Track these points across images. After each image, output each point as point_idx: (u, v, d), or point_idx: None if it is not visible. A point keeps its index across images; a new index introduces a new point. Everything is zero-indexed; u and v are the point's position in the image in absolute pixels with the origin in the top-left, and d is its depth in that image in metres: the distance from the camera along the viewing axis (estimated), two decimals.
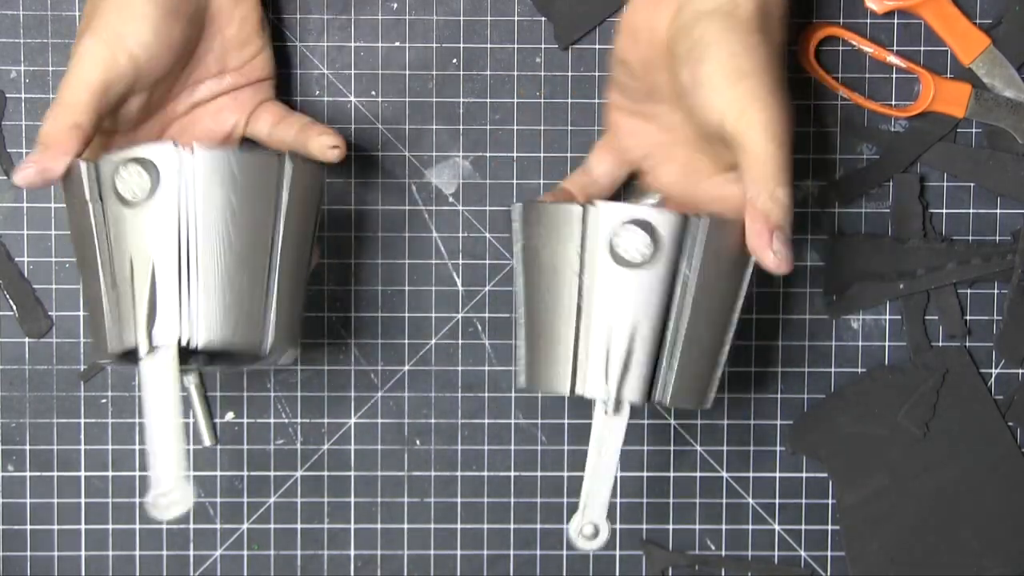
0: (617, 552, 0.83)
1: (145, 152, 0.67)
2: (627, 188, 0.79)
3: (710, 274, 0.69)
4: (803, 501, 0.83)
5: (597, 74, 0.81)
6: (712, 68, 0.68)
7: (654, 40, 0.71)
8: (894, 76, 0.82)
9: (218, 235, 0.67)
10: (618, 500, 0.83)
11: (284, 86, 0.80)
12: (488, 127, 0.81)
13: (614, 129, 0.77)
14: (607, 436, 0.68)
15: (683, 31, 0.69)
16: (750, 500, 0.83)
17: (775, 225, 0.68)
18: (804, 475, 0.83)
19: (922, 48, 0.81)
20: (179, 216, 0.67)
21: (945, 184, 0.82)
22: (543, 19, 0.81)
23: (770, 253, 0.68)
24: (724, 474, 0.83)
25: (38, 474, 0.82)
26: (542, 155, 0.81)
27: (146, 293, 0.67)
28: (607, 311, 0.67)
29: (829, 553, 0.84)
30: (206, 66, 0.74)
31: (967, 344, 0.83)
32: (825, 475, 0.83)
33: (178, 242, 0.67)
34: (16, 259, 0.81)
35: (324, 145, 0.73)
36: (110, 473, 0.82)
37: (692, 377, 0.70)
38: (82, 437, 0.82)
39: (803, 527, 0.83)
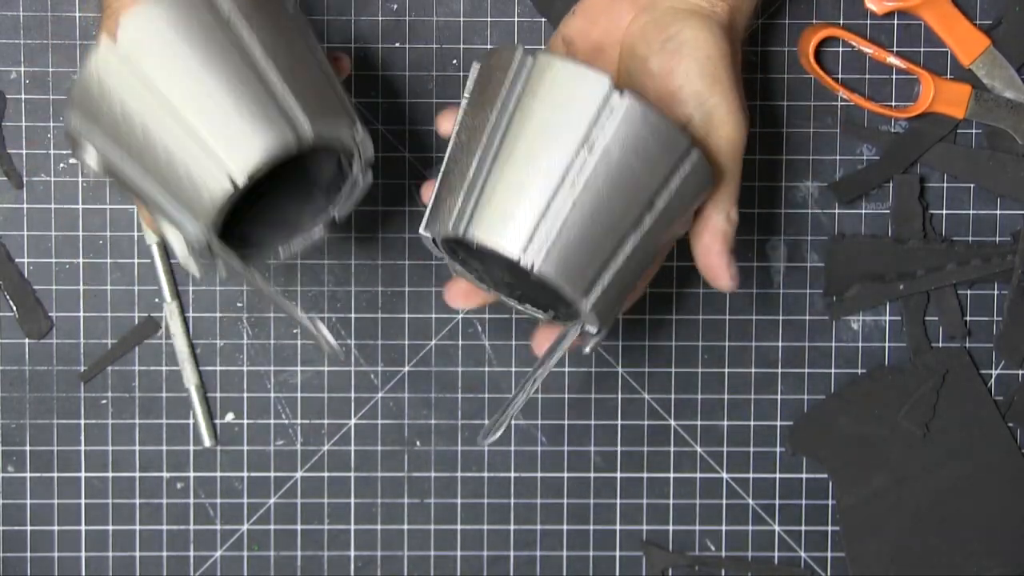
0: (617, 553, 0.83)
1: None
2: None
3: (680, 200, 0.66)
4: (803, 502, 0.83)
5: None
6: (689, 66, 0.68)
7: (613, 28, 0.71)
8: (894, 77, 0.82)
9: (270, 33, 0.65)
10: (618, 501, 0.83)
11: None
12: None
13: None
14: None
15: (657, 25, 0.69)
16: (750, 501, 0.83)
17: (731, 246, 0.69)
18: (804, 476, 0.83)
19: (922, 49, 0.81)
20: (231, 34, 0.64)
21: (945, 185, 0.82)
22: (543, 20, 0.81)
23: (727, 277, 0.69)
24: (724, 475, 0.83)
25: (38, 475, 0.82)
26: None
27: (238, 116, 0.64)
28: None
29: (829, 554, 0.84)
30: None
31: (967, 345, 0.83)
32: (825, 476, 0.83)
33: (247, 57, 0.65)
34: (16, 260, 0.81)
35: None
36: (110, 474, 0.82)
37: (618, 294, 0.67)
38: (82, 438, 0.82)
39: (803, 528, 0.83)
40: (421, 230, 0.67)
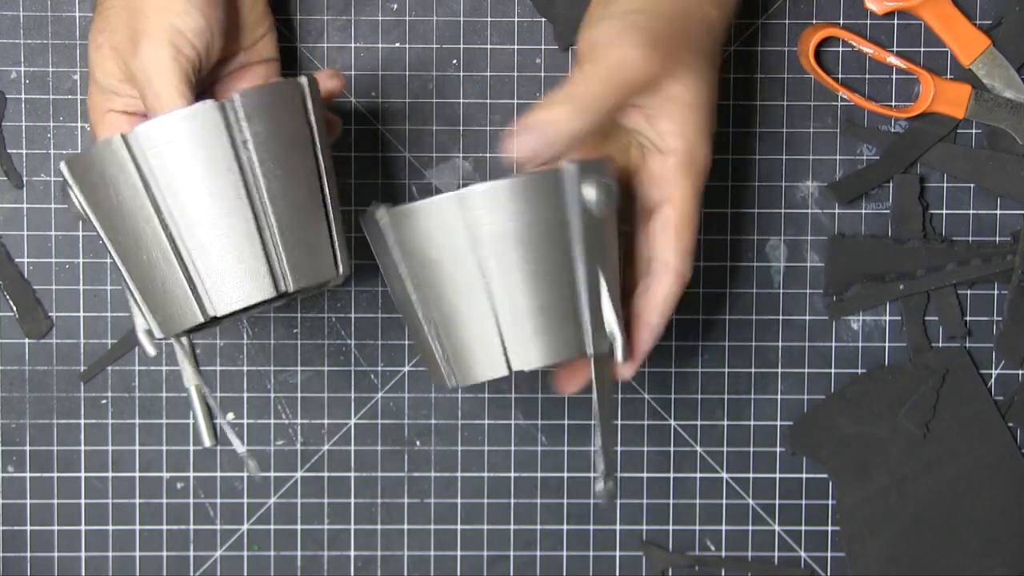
0: (617, 553, 0.83)
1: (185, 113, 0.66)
2: None
3: (593, 219, 0.68)
4: (803, 502, 0.83)
5: None
6: (598, 69, 0.68)
7: None
8: (894, 77, 0.82)
9: (278, 175, 0.66)
10: (618, 500, 0.83)
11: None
12: (488, 128, 0.81)
13: None
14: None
15: (591, 25, 0.70)
16: (750, 501, 0.83)
17: (684, 284, 0.71)
18: (804, 476, 0.83)
19: (922, 49, 0.81)
20: (238, 159, 0.66)
21: (945, 185, 0.82)
22: (543, 20, 0.81)
23: (661, 323, 0.71)
24: (724, 475, 0.83)
25: (38, 475, 0.82)
26: None
27: (224, 256, 0.66)
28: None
29: (829, 554, 0.84)
30: (226, 46, 0.74)
31: (967, 345, 0.83)
32: (825, 476, 0.83)
33: (246, 188, 0.66)
34: (16, 260, 0.81)
35: (323, 88, 0.73)
36: (110, 474, 0.82)
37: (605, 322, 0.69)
38: (82, 438, 0.82)
39: (803, 528, 0.83)
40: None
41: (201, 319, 0.66)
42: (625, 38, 0.68)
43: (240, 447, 0.70)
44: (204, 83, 0.73)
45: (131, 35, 0.70)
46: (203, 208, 0.65)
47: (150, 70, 0.69)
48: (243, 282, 0.66)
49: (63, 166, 0.67)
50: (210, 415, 0.80)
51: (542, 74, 0.81)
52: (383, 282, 0.82)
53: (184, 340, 0.70)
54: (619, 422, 0.83)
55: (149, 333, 0.69)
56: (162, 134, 0.65)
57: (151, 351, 0.70)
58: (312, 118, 0.68)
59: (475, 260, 0.66)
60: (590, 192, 0.67)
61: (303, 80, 0.68)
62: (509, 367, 0.67)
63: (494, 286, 0.66)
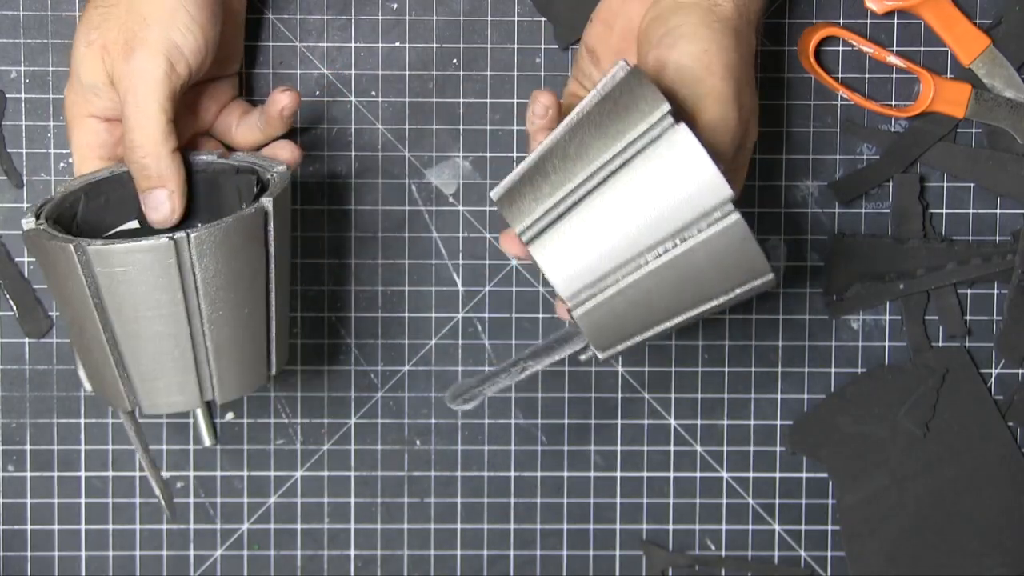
0: (617, 552, 0.83)
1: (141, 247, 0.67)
2: None
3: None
4: (803, 501, 0.83)
5: None
6: (680, 59, 0.68)
7: (628, 29, 0.72)
8: (894, 76, 0.82)
9: (223, 301, 0.68)
10: (618, 501, 0.83)
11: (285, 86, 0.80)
12: (488, 127, 0.81)
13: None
14: None
15: (659, 19, 0.69)
16: (750, 500, 0.83)
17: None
18: (804, 475, 0.83)
19: (922, 48, 0.81)
20: (184, 291, 0.67)
21: (945, 184, 0.82)
22: (543, 19, 0.81)
23: None
24: (724, 474, 0.83)
25: (38, 474, 0.82)
26: None
27: (156, 367, 0.69)
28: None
29: (829, 553, 0.84)
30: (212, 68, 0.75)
31: (967, 344, 0.83)
32: (825, 475, 0.83)
33: (187, 316, 0.68)
34: (16, 259, 0.81)
35: (277, 104, 0.74)
36: (110, 473, 0.82)
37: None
38: (82, 437, 0.82)
39: (803, 527, 0.83)
40: (493, 195, 0.68)
41: (129, 408, 0.70)
42: (749, 121, 0.70)
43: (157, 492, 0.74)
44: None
45: (128, 39, 0.70)
46: (142, 325, 0.67)
47: (138, 80, 0.69)
48: (171, 394, 0.69)
49: (24, 226, 0.69)
50: (210, 415, 0.80)
51: (542, 73, 0.81)
52: (383, 282, 0.82)
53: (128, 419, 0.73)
54: (619, 421, 0.83)
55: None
56: (117, 259, 0.66)
57: (88, 388, 0.72)
58: (271, 240, 0.69)
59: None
60: None
61: (267, 203, 0.69)
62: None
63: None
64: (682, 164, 0.63)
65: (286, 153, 0.76)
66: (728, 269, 0.64)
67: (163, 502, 0.76)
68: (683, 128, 0.63)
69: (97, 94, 0.71)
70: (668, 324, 0.66)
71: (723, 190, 0.63)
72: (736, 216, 0.63)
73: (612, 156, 0.64)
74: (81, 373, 0.72)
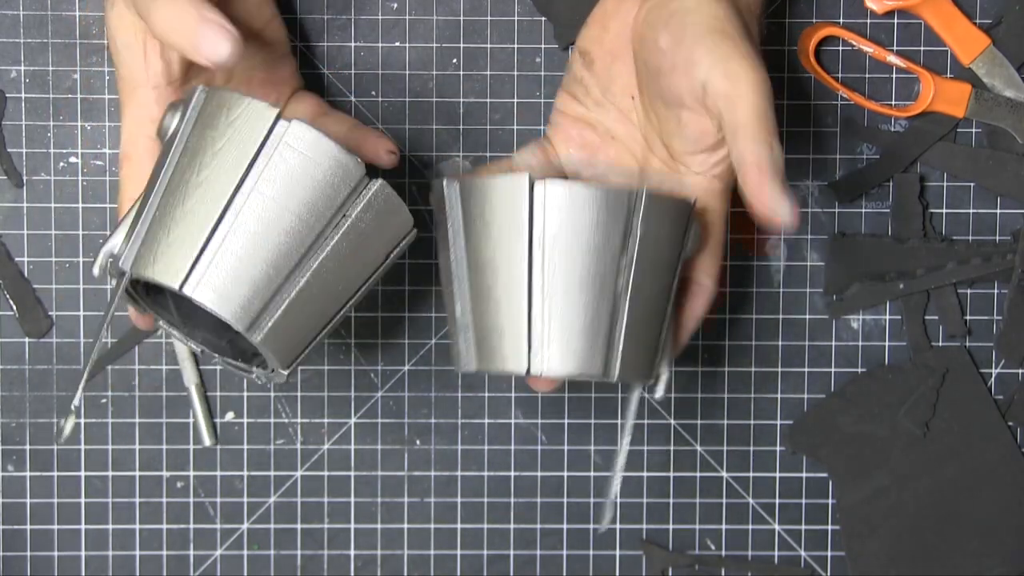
0: (617, 552, 0.83)
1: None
2: None
3: (651, 245, 0.67)
4: (803, 501, 0.83)
5: None
6: (695, 27, 0.67)
7: (623, 29, 0.71)
8: (894, 76, 0.82)
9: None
10: (618, 500, 0.83)
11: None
12: (488, 127, 0.81)
13: (553, 131, 0.76)
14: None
15: (658, 6, 0.69)
16: (750, 500, 0.83)
17: (784, 181, 0.66)
18: (804, 475, 0.83)
19: (922, 48, 0.81)
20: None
21: (945, 184, 0.82)
22: (543, 19, 0.81)
23: (787, 207, 0.65)
24: (724, 474, 0.83)
25: (38, 474, 0.82)
26: None
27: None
28: (563, 286, 0.66)
29: (829, 553, 0.84)
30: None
31: (967, 344, 0.83)
32: (825, 475, 0.83)
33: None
34: (16, 259, 0.81)
35: (381, 149, 0.74)
36: (110, 473, 0.82)
37: (641, 350, 0.68)
38: (82, 437, 0.82)
39: (803, 527, 0.83)
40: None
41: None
42: (756, 77, 0.68)
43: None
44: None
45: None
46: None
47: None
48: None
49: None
50: (210, 414, 0.80)
51: (542, 73, 0.81)
52: (382, 281, 0.82)
53: (183, 345, 0.71)
54: (619, 421, 0.83)
55: (112, 264, 0.68)
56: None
57: (96, 272, 0.69)
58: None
59: (528, 252, 0.65)
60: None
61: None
62: (529, 366, 0.66)
63: (538, 283, 0.66)
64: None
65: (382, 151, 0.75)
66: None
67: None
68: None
69: (140, 38, 0.69)
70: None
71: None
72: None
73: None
74: (108, 247, 0.68)
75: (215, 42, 0.64)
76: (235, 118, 0.65)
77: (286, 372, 0.68)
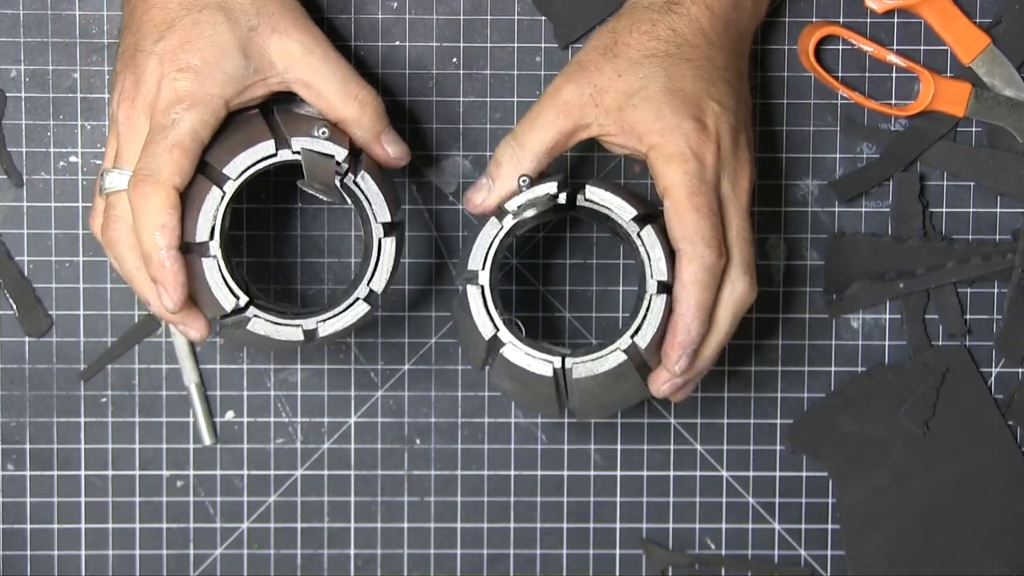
0: (617, 551, 0.83)
1: None
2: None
3: None
4: (803, 500, 0.83)
5: None
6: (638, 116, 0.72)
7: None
8: (894, 75, 0.82)
9: None
10: (618, 499, 0.83)
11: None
12: (488, 126, 0.81)
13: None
14: None
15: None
16: (750, 499, 0.83)
17: (706, 268, 0.71)
18: (804, 474, 0.83)
19: (922, 47, 0.81)
20: None
21: (945, 183, 0.82)
22: (543, 18, 0.81)
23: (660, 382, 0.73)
24: (724, 473, 0.83)
25: (38, 473, 0.82)
26: None
27: None
28: None
29: (829, 552, 0.84)
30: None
31: (967, 343, 0.83)
32: (825, 474, 0.83)
33: None
34: (16, 258, 0.81)
35: (388, 161, 0.75)
36: (110, 472, 0.82)
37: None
38: (82, 436, 0.82)
39: (803, 526, 0.83)
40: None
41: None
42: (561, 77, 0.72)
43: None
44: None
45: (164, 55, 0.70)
46: None
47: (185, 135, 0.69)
48: None
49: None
50: (210, 413, 0.80)
51: (542, 72, 0.81)
52: None
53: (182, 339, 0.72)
54: (619, 420, 0.83)
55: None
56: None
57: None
58: None
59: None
60: None
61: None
62: None
63: None
64: None
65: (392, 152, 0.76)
66: None
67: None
68: None
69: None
70: None
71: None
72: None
73: None
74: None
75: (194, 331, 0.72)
76: None
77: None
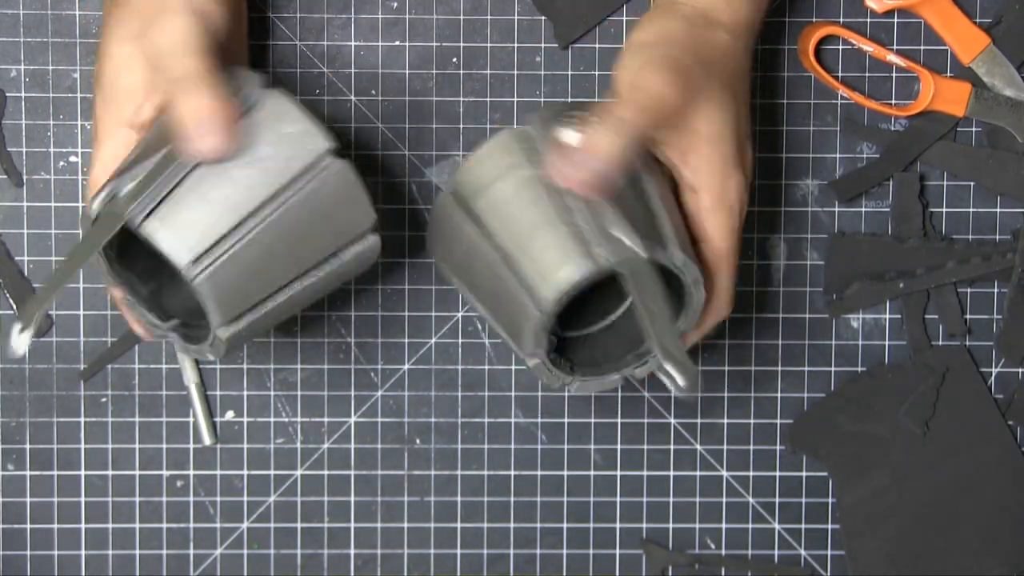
0: (617, 551, 0.83)
1: None
2: None
3: None
4: (803, 500, 0.83)
5: (597, 73, 0.81)
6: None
7: None
8: (894, 75, 0.82)
9: None
10: (618, 499, 0.83)
11: (285, 86, 0.80)
12: (488, 126, 0.81)
13: None
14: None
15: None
16: (750, 499, 0.83)
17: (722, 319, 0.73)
18: (804, 474, 0.83)
19: (922, 47, 0.81)
20: None
21: (945, 183, 0.82)
22: (543, 18, 0.81)
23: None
24: (724, 473, 0.83)
25: (38, 473, 0.82)
26: None
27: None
28: None
29: (829, 552, 0.84)
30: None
31: (967, 343, 0.83)
32: (825, 474, 0.83)
33: None
34: (16, 258, 0.81)
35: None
36: (110, 472, 0.82)
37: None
38: (82, 436, 0.82)
39: (803, 526, 0.83)
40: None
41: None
42: (647, 69, 0.68)
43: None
44: None
45: (155, 13, 0.68)
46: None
47: (174, 38, 0.67)
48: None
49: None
50: (210, 413, 0.80)
51: (542, 72, 0.81)
52: (383, 280, 0.82)
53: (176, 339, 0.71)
54: (619, 420, 0.83)
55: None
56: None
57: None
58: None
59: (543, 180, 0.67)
60: None
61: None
62: (595, 262, 0.65)
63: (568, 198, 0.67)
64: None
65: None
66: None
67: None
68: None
69: (145, 88, 0.69)
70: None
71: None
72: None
73: None
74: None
75: (212, 141, 0.66)
76: (289, 132, 0.68)
77: (224, 335, 0.68)
